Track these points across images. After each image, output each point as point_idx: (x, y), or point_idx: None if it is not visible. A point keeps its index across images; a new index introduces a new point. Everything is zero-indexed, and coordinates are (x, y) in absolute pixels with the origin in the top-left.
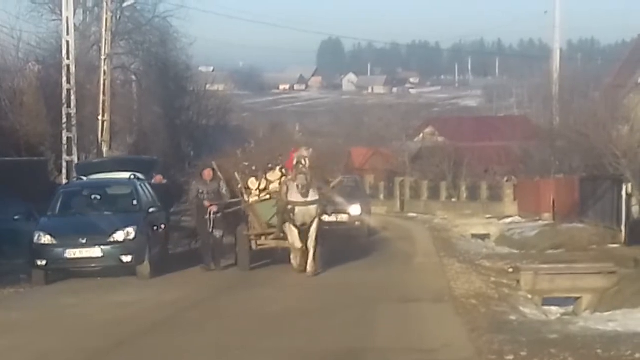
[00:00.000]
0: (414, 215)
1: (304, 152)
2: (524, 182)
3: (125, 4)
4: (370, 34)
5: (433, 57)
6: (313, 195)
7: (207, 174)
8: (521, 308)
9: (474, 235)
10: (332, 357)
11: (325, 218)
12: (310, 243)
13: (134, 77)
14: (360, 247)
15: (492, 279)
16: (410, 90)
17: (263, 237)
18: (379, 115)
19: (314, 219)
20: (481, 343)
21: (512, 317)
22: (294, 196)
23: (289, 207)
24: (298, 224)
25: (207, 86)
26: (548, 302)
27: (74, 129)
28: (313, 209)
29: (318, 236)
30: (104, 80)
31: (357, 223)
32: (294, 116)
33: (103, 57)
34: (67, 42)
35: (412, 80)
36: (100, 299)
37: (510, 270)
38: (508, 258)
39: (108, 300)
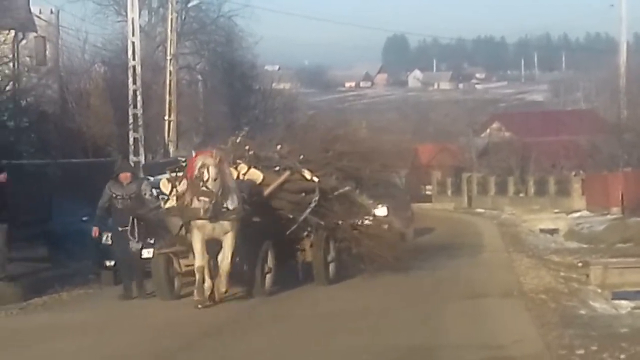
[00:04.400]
0: (482, 210)
1: (209, 159)
2: (592, 176)
3: (190, 4)
4: (435, 29)
5: (499, 52)
6: (231, 204)
7: (124, 176)
8: (591, 302)
9: (542, 230)
10: (403, 354)
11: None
12: (224, 264)
13: (199, 77)
14: (425, 243)
15: (562, 273)
16: (476, 86)
17: (191, 256)
18: (445, 111)
19: (228, 232)
20: (551, 338)
21: (582, 312)
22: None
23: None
24: (205, 236)
25: (273, 85)
26: (618, 295)
27: (140, 129)
28: (227, 224)
29: (254, 251)
30: (170, 81)
31: (384, 226)
32: (359, 113)
33: (169, 58)
34: (133, 43)
35: (478, 75)
36: (185, 296)
37: (580, 264)
38: (577, 252)
39: (177, 301)
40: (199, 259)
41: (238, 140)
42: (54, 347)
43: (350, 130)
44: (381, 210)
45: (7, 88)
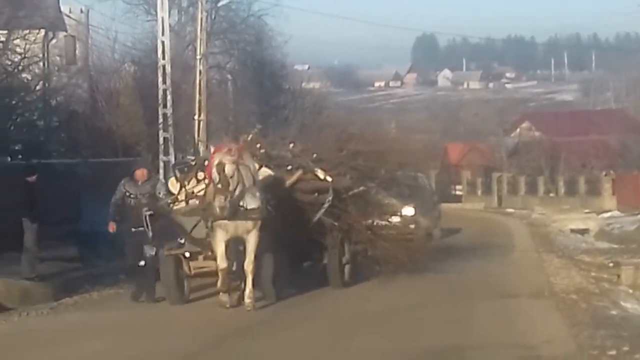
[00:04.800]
0: (512, 210)
1: (226, 157)
2: (623, 176)
3: (219, 4)
4: (464, 29)
5: (529, 51)
6: (251, 203)
7: (140, 173)
8: (622, 303)
9: (572, 230)
10: (432, 354)
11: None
12: (248, 264)
13: (229, 76)
14: (454, 243)
15: (592, 273)
16: (506, 85)
17: (201, 258)
18: (475, 110)
19: (251, 232)
20: (582, 338)
21: (614, 312)
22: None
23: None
24: (227, 236)
25: (303, 84)
26: None
27: (170, 128)
28: (250, 223)
29: (258, 255)
30: (200, 80)
31: (411, 226)
32: (389, 113)
33: (198, 57)
34: (163, 43)
35: (507, 75)
36: (194, 300)
37: (611, 264)
38: (608, 253)
39: (203, 302)
40: (221, 261)
41: (250, 138)
42: (84, 347)
43: (366, 129)
44: (408, 210)
45: (37, 87)
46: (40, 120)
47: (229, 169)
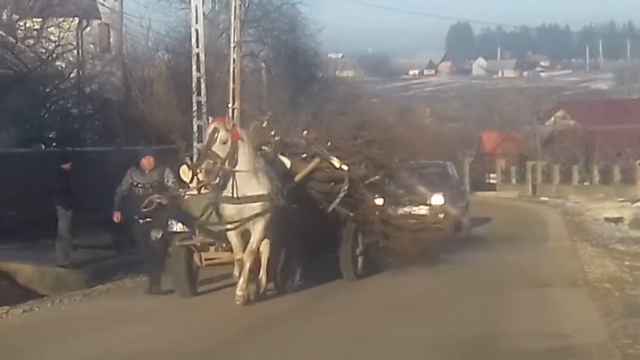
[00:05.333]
0: (546, 199)
1: (221, 124)
2: None
3: None
4: (499, 17)
5: (563, 39)
6: (254, 188)
7: (147, 162)
8: None
9: (606, 219)
10: (466, 341)
11: (398, 210)
12: (248, 254)
13: (263, 65)
14: (488, 231)
15: (626, 262)
16: (541, 74)
17: (213, 249)
18: (510, 99)
19: (258, 220)
20: (615, 327)
21: None
22: (227, 189)
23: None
24: (227, 225)
25: (336, 72)
26: None
27: (204, 117)
28: (255, 206)
29: (267, 243)
30: (234, 68)
31: (439, 215)
32: (423, 101)
33: (232, 45)
34: (197, 31)
35: (542, 63)
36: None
37: None
38: None
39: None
40: (238, 251)
41: (264, 125)
42: (116, 333)
43: (380, 116)
44: (437, 199)
45: (72, 75)
46: (75, 108)
47: (222, 134)
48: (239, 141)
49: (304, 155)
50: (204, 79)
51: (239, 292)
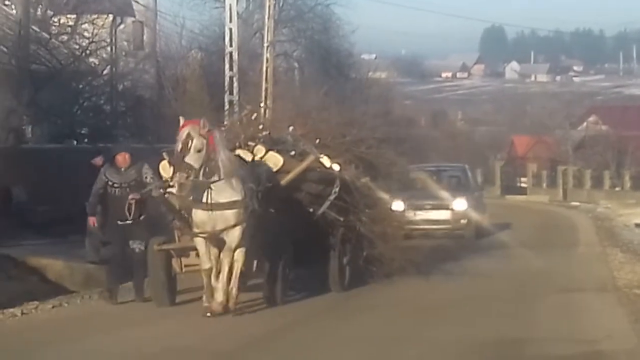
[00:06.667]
0: (577, 204)
1: (195, 127)
2: None
3: None
4: (533, 21)
5: (597, 44)
6: (229, 195)
7: (122, 159)
8: None
9: (637, 225)
10: (493, 346)
11: (417, 216)
12: (224, 259)
13: (296, 65)
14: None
15: None
16: (574, 79)
17: (193, 254)
18: (542, 103)
19: (233, 226)
20: None
21: None
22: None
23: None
24: (199, 231)
25: (370, 74)
26: None
27: (236, 116)
28: (229, 214)
29: (242, 251)
30: (267, 68)
31: (462, 221)
32: (456, 104)
33: (265, 45)
34: (230, 30)
35: (575, 68)
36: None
37: None
38: None
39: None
40: (205, 261)
41: (253, 117)
42: (145, 330)
43: (368, 115)
44: (460, 204)
45: (105, 72)
46: (107, 105)
47: (196, 142)
48: (216, 148)
49: (292, 153)
50: (236, 78)
51: (205, 304)
